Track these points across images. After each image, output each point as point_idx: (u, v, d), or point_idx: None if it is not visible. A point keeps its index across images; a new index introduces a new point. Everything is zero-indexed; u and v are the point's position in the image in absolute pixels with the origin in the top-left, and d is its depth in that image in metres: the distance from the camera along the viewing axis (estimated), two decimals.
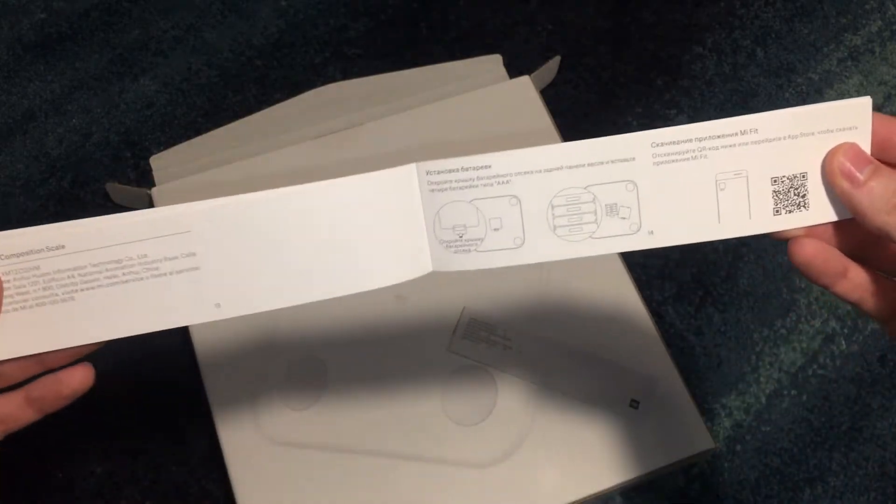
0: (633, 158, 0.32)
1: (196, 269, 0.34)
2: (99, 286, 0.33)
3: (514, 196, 0.34)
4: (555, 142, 0.61)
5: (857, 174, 0.30)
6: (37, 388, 0.34)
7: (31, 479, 0.56)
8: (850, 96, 0.69)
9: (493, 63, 0.66)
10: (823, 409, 0.56)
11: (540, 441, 0.52)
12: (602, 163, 0.32)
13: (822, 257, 0.32)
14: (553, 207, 0.33)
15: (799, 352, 0.58)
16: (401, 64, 0.65)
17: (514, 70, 0.65)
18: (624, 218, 0.33)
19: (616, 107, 0.68)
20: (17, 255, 0.33)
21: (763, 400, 0.57)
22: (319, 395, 0.53)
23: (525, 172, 0.34)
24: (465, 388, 0.53)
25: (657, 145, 0.32)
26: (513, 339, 0.54)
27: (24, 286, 0.33)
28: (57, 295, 0.33)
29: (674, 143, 0.32)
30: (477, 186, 0.34)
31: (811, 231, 0.32)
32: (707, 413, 0.56)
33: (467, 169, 0.34)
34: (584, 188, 0.33)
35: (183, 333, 0.56)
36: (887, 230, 0.29)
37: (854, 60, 0.70)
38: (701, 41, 0.71)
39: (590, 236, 0.33)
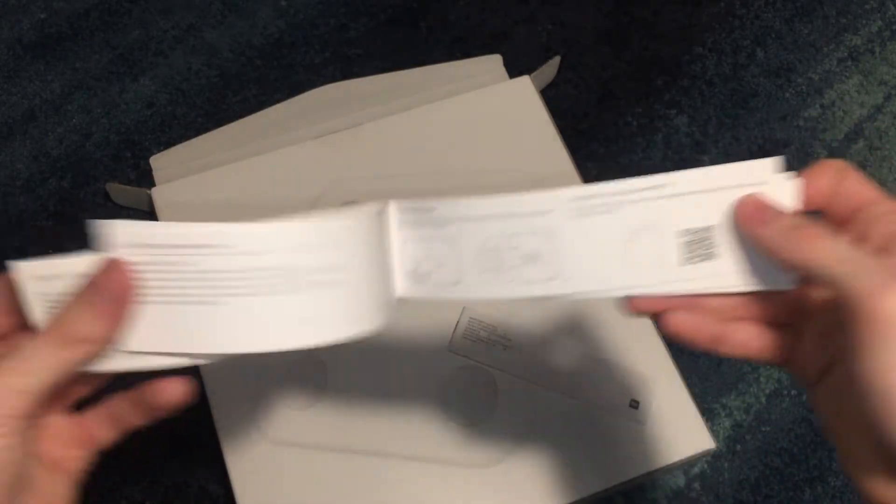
0: (552, 211, 0.34)
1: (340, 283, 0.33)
2: (246, 293, 0.32)
3: (453, 238, 0.35)
4: (554, 142, 0.61)
5: (761, 214, 0.31)
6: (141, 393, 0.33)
7: None
8: (851, 96, 0.69)
9: (493, 63, 0.66)
10: None
11: (540, 441, 0.52)
12: (524, 214, 0.35)
13: (691, 327, 0.33)
14: (483, 252, 0.35)
15: None
16: (401, 64, 0.65)
17: (514, 70, 0.65)
18: (544, 265, 0.34)
19: (616, 107, 0.68)
20: (167, 247, 0.31)
21: (763, 400, 0.57)
22: (319, 395, 0.53)
23: (463, 219, 0.36)
24: (465, 388, 0.53)
25: (576, 199, 0.34)
26: (513, 339, 0.54)
27: (167, 280, 0.31)
28: (201, 296, 0.31)
29: (591, 196, 0.33)
30: (426, 226, 0.36)
31: (695, 302, 0.33)
32: (707, 413, 0.56)
33: (421, 210, 0.36)
34: (509, 236, 0.35)
35: None
36: (803, 260, 0.29)
37: (854, 60, 0.70)
38: (701, 41, 0.71)
39: (510, 281, 0.35)
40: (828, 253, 0.28)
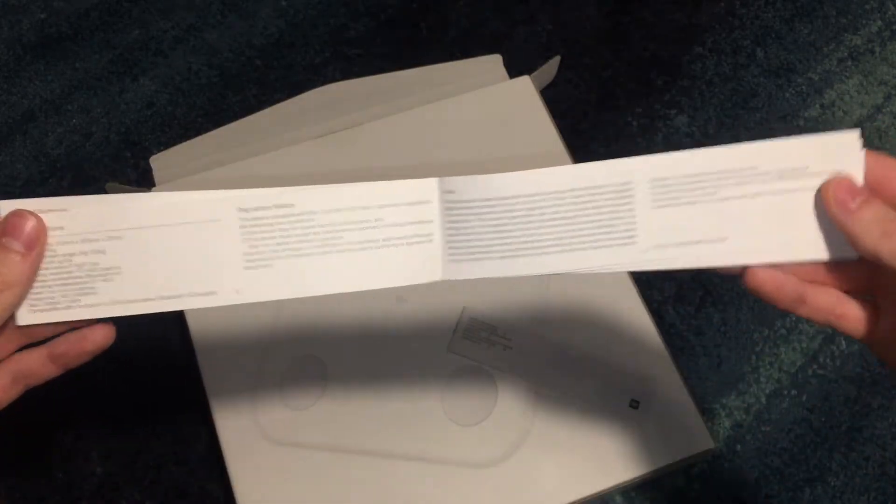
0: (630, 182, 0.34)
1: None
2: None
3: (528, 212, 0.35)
4: (554, 142, 0.61)
5: (851, 203, 0.32)
6: (60, 345, 0.35)
7: (32, 480, 0.56)
8: (851, 96, 0.69)
9: (493, 63, 0.66)
10: (823, 409, 0.56)
11: (540, 441, 0.52)
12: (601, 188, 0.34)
13: (774, 284, 0.34)
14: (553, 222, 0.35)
15: (799, 352, 0.58)
16: (401, 64, 0.65)
17: (514, 70, 0.65)
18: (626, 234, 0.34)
19: (616, 107, 0.68)
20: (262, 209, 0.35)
21: (763, 400, 0.57)
22: (319, 395, 0.53)
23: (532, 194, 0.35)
24: (465, 388, 0.53)
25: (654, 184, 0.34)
26: (513, 339, 0.54)
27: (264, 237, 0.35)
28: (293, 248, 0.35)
29: (669, 184, 0.34)
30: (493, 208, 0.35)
31: (798, 269, 0.34)
32: (707, 413, 0.56)
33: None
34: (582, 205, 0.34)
35: (182, 333, 0.56)
36: (877, 253, 0.31)
37: (854, 60, 0.70)
38: (701, 41, 0.71)
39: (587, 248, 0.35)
40: None
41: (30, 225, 0.32)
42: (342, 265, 0.35)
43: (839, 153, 0.33)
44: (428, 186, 0.35)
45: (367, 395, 0.53)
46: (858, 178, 0.33)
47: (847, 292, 0.35)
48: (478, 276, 0.35)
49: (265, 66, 0.71)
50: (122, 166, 0.67)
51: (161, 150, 0.63)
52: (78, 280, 0.34)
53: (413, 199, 0.35)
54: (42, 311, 0.34)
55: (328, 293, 0.35)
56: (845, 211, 0.32)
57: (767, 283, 0.34)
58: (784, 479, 0.55)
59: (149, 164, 0.63)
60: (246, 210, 0.35)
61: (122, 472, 0.56)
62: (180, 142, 0.63)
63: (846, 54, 0.71)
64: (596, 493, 0.51)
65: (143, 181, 0.64)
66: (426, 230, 0.35)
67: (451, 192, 0.35)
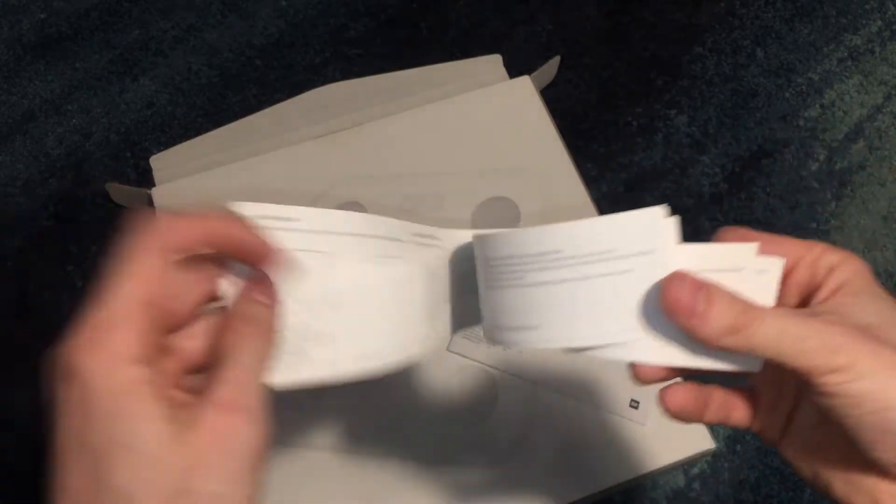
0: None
1: None
2: None
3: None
4: (554, 142, 0.61)
5: (696, 308, 0.28)
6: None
7: (31, 480, 0.56)
8: (850, 96, 0.69)
9: (493, 63, 0.66)
10: None
11: (540, 441, 0.52)
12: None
13: (692, 400, 0.32)
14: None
15: None
16: (401, 64, 0.65)
17: (514, 70, 0.65)
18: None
19: (616, 107, 0.68)
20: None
21: None
22: (319, 395, 0.53)
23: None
24: (465, 388, 0.53)
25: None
26: None
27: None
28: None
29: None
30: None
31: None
32: None
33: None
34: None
35: None
36: (733, 349, 0.28)
37: (854, 60, 0.70)
38: (701, 41, 0.71)
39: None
40: (766, 334, 0.27)
41: (270, 288, 0.30)
42: None
43: (647, 230, 0.28)
44: None
45: (366, 396, 0.53)
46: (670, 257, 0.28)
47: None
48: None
49: (265, 66, 0.71)
50: (122, 166, 0.67)
51: (161, 150, 0.63)
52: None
53: None
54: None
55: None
56: (692, 319, 0.28)
57: (688, 402, 0.32)
58: (784, 478, 0.55)
59: (149, 164, 0.63)
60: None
61: None
62: (180, 142, 0.63)
63: (846, 54, 0.71)
64: (596, 493, 0.50)
65: (143, 181, 0.64)
66: None
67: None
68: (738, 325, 0.27)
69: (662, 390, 0.32)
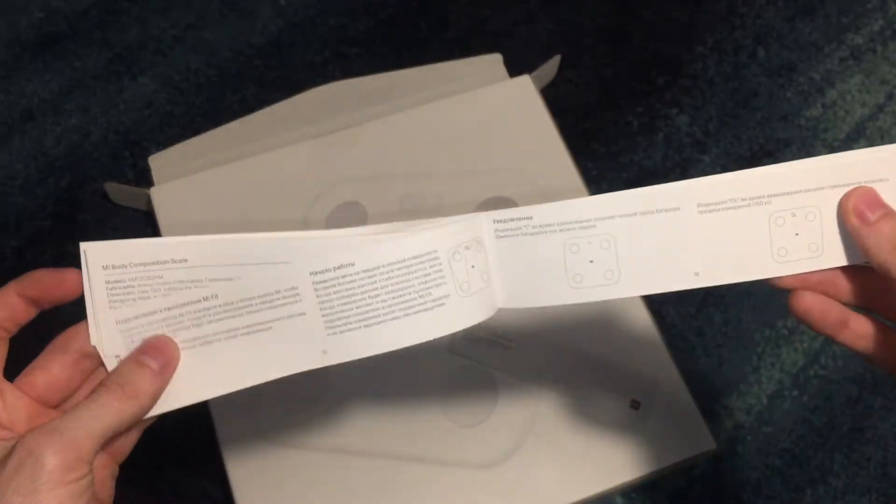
0: (678, 208, 0.35)
1: (302, 314, 0.34)
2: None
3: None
4: (555, 141, 0.61)
5: (869, 214, 0.33)
6: (33, 288, 0.35)
7: None
8: (852, 95, 0.68)
9: (493, 62, 0.66)
10: (825, 409, 0.56)
11: (540, 442, 0.51)
12: (643, 212, 0.35)
13: (820, 308, 0.35)
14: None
15: (800, 352, 0.58)
16: (401, 63, 0.65)
17: (514, 69, 0.65)
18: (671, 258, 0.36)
19: (616, 106, 0.68)
20: (144, 265, 0.34)
21: (764, 400, 0.57)
22: (319, 395, 0.53)
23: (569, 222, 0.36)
24: (465, 388, 0.53)
25: (700, 203, 0.35)
26: (513, 339, 0.54)
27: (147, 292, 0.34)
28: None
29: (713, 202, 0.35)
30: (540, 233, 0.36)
31: (811, 279, 0.35)
32: (708, 414, 0.56)
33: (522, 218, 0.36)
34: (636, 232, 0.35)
35: None
36: (888, 268, 0.32)
37: (856, 59, 0.70)
38: (702, 40, 0.71)
39: (654, 272, 0.36)
40: None
41: (168, 349, 0.35)
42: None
43: (878, 171, 0.34)
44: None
45: (366, 396, 0.53)
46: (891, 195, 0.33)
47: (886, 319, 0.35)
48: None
49: (264, 66, 0.71)
50: (121, 166, 0.67)
51: (160, 150, 0.63)
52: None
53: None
54: (163, 401, 0.35)
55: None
56: (862, 221, 0.33)
57: (814, 308, 0.35)
58: (785, 479, 0.54)
59: (147, 164, 0.62)
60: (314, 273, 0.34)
61: (122, 472, 0.56)
62: (179, 141, 0.63)
63: (848, 53, 0.70)
64: (596, 495, 0.50)
65: (142, 181, 0.64)
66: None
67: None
68: None
69: (793, 291, 0.35)
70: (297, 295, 0.33)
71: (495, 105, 0.63)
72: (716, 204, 0.34)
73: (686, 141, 0.66)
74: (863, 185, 0.34)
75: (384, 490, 0.51)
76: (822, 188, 0.34)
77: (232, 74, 0.71)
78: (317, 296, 0.33)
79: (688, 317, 0.59)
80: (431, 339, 0.35)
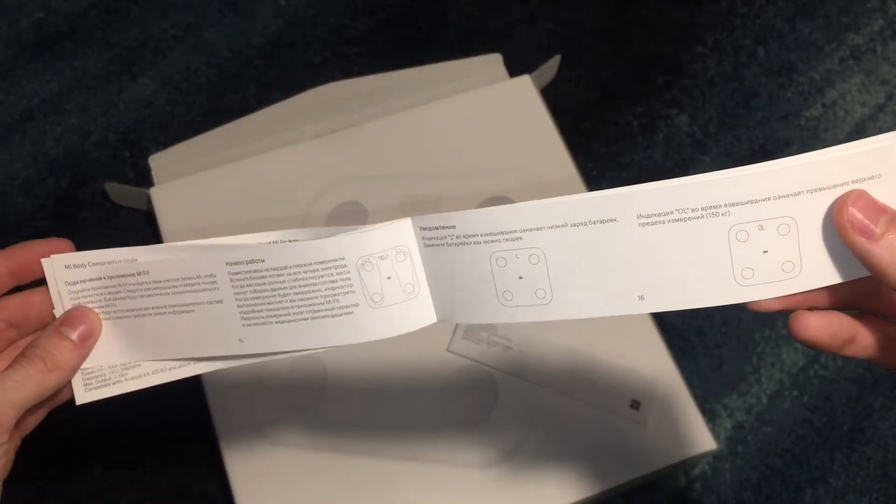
0: (615, 219, 0.29)
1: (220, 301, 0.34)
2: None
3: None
4: (555, 141, 0.61)
5: (872, 227, 0.26)
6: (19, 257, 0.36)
7: (31, 481, 0.55)
8: (852, 95, 0.68)
9: (493, 62, 0.66)
10: (825, 409, 0.56)
11: (540, 442, 0.51)
12: (587, 223, 0.30)
13: (830, 332, 0.29)
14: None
15: (801, 352, 0.58)
16: (401, 63, 0.65)
17: (514, 69, 0.65)
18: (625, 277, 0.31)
19: (616, 106, 0.68)
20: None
21: (764, 400, 0.57)
22: (319, 396, 0.53)
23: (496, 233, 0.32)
24: (465, 388, 0.53)
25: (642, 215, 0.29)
26: (513, 339, 0.54)
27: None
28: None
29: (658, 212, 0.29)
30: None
31: (790, 299, 0.30)
32: (708, 414, 0.56)
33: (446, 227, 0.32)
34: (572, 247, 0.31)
35: None
36: None
37: (856, 59, 0.70)
38: (702, 40, 0.71)
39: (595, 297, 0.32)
40: None
41: (88, 320, 0.35)
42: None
43: (869, 168, 0.27)
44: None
45: (366, 396, 0.53)
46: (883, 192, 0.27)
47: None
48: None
49: (264, 66, 0.71)
50: (121, 166, 0.66)
51: (160, 150, 0.63)
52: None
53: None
54: (96, 388, 0.36)
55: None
56: (867, 237, 0.26)
57: (823, 331, 0.29)
58: (785, 479, 0.54)
59: (148, 164, 0.62)
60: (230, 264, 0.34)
61: (122, 472, 0.56)
62: (179, 141, 0.63)
63: (848, 53, 0.70)
64: (596, 494, 0.50)
65: (142, 181, 0.64)
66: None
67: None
68: None
69: (792, 316, 0.30)
70: (215, 283, 0.34)
71: (495, 105, 0.63)
72: (659, 215, 0.29)
73: (686, 141, 0.66)
74: (851, 186, 0.27)
75: (384, 490, 0.51)
76: (799, 193, 0.28)
77: (232, 74, 0.70)
78: (232, 286, 0.34)
79: (688, 317, 0.59)
80: (340, 345, 0.34)
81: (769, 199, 0.28)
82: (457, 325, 0.54)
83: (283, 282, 0.33)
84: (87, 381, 0.36)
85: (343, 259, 0.32)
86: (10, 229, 0.64)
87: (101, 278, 0.35)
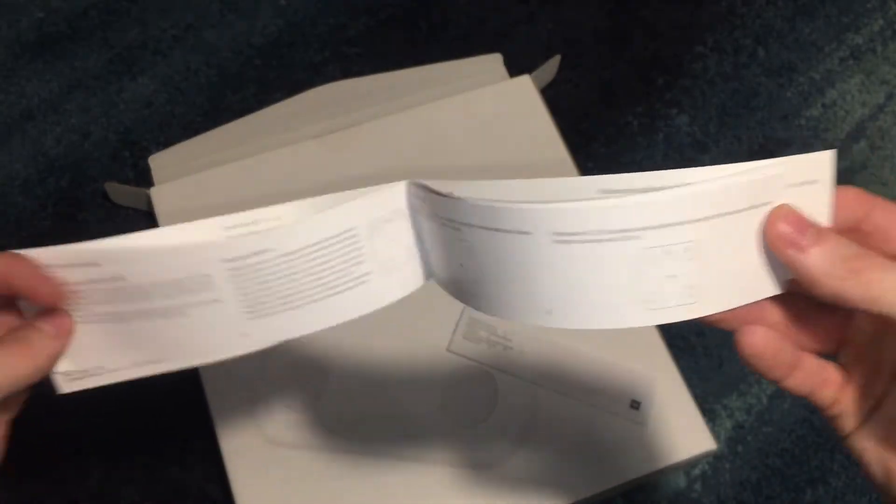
0: (529, 233, 0.29)
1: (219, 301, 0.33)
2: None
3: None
4: (555, 141, 0.61)
5: (801, 239, 0.27)
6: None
7: (31, 481, 0.55)
8: (852, 95, 0.68)
9: (493, 62, 0.66)
10: None
11: (540, 442, 0.51)
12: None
13: (773, 348, 0.29)
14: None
15: None
16: (401, 63, 0.65)
17: (514, 69, 0.65)
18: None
19: (616, 106, 0.68)
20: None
21: (764, 400, 0.57)
22: (319, 395, 0.53)
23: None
24: (465, 388, 0.53)
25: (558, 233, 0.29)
26: (513, 339, 0.54)
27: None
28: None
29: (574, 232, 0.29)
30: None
31: (739, 311, 0.29)
32: (708, 413, 0.56)
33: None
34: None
35: None
36: (842, 295, 0.27)
37: (856, 59, 0.70)
38: (702, 40, 0.71)
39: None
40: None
41: (62, 318, 0.34)
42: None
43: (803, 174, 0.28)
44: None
45: (366, 396, 0.53)
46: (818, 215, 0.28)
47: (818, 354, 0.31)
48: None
49: (264, 66, 0.71)
50: (121, 166, 0.66)
51: (160, 150, 0.63)
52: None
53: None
54: (77, 379, 0.36)
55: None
56: (797, 249, 0.27)
57: (767, 348, 0.29)
58: (785, 479, 0.54)
59: (147, 164, 0.62)
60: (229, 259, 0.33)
61: (122, 472, 0.56)
62: (179, 141, 0.63)
63: (848, 53, 0.70)
64: (596, 494, 0.50)
65: (142, 181, 0.64)
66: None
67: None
68: (855, 268, 0.26)
69: (739, 329, 0.30)
70: (211, 282, 0.32)
71: (495, 105, 0.63)
72: (574, 234, 0.28)
73: (686, 141, 0.66)
74: (752, 211, 0.28)
75: (384, 490, 0.51)
76: (709, 218, 0.27)
77: (232, 74, 0.71)
78: (233, 282, 0.32)
79: None
80: (357, 316, 0.34)
81: (679, 223, 0.28)
82: (457, 325, 0.54)
83: (293, 266, 0.32)
84: (68, 372, 0.35)
85: (354, 228, 0.33)
86: (10, 229, 0.64)
87: (78, 283, 0.33)
